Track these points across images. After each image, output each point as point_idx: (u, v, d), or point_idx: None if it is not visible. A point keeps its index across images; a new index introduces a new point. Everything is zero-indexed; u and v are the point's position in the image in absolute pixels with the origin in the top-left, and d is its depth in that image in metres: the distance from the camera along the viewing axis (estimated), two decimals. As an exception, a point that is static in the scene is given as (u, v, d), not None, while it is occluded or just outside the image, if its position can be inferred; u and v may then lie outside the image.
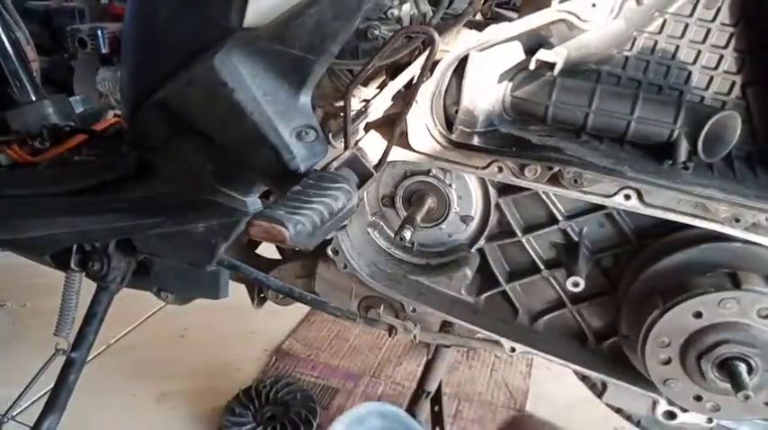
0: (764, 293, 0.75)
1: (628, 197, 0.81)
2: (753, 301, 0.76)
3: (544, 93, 0.84)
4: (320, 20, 0.72)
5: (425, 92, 0.86)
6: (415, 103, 0.85)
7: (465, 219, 1.06)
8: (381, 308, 1.05)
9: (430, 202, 1.04)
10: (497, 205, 1.01)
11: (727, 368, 0.78)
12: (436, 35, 0.75)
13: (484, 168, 0.86)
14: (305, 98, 0.73)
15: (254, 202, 0.82)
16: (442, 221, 1.05)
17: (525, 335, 1.02)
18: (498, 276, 1.04)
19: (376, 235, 1.09)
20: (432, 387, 1.25)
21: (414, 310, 1.04)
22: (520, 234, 1.00)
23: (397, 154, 0.90)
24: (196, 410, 1.47)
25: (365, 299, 1.08)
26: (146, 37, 0.83)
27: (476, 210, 1.04)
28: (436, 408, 1.25)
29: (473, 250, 1.06)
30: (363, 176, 0.79)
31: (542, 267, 1.01)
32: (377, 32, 0.98)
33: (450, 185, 1.01)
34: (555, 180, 0.83)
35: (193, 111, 0.77)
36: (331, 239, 1.03)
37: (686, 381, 0.84)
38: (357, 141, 0.92)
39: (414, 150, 0.89)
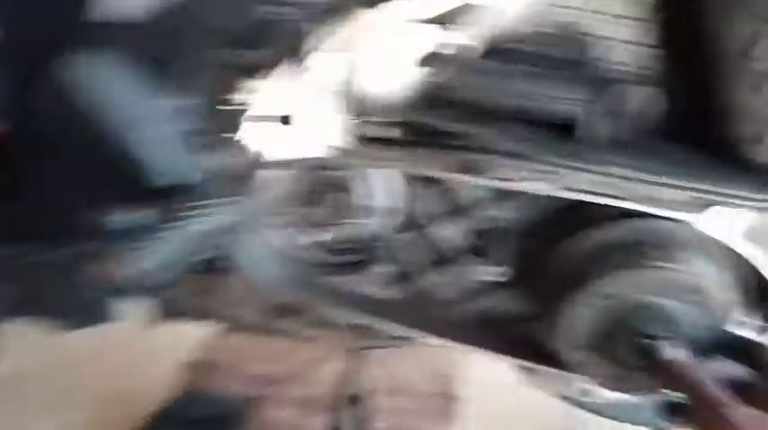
0: (667, 268, 0.75)
1: (547, 182, 0.78)
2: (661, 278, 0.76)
3: (456, 76, 0.79)
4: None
5: (329, 81, 0.79)
6: (316, 93, 0.78)
7: (379, 212, 1.00)
8: (293, 316, 0.98)
9: (340, 197, 0.98)
10: (412, 195, 0.96)
11: (642, 350, 0.77)
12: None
13: (395, 161, 0.80)
14: (180, 100, 0.64)
15: (120, 223, 0.72)
16: (353, 216, 0.99)
17: (445, 326, 0.98)
18: (415, 268, 1.00)
19: (283, 236, 1.01)
20: (352, 390, 1.20)
21: (328, 315, 0.98)
22: (433, 223, 0.96)
23: (299, 151, 0.82)
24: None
25: (275, 308, 1.00)
26: None
27: (390, 201, 0.99)
28: (359, 410, 1.20)
29: (389, 243, 1.01)
30: (252, 181, 0.71)
31: (461, 255, 0.97)
32: (274, 17, 0.89)
33: (362, 178, 0.95)
34: (469, 169, 0.78)
35: (46, 117, 0.65)
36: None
37: (605, 363, 0.83)
38: (248, 141, 0.83)
39: (318, 146, 0.81)
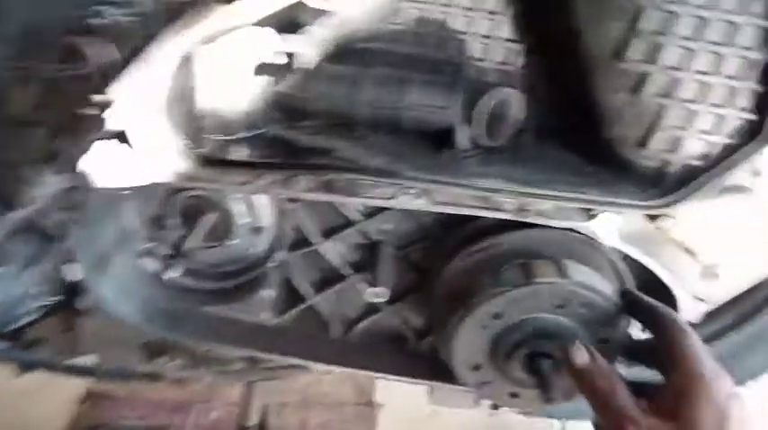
0: (557, 283, 0.69)
1: (415, 196, 0.70)
2: (546, 293, 0.70)
3: (306, 84, 0.70)
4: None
5: (159, 95, 0.67)
6: (152, 108, 0.66)
7: (257, 231, 0.90)
8: (168, 356, 0.88)
9: (211, 218, 0.88)
10: (288, 212, 0.87)
11: (531, 366, 0.72)
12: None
13: (246, 184, 0.70)
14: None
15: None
16: (231, 237, 0.89)
17: (339, 351, 0.91)
18: (302, 289, 0.91)
19: (151, 265, 0.90)
20: (251, 421, 1.12)
21: (208, 351, 0.88)
22: (317, 241, 0.87)
23: (133, 177, 0.71)
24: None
25: (147, 346, 0.90)
26: None
27: (266, 219, 0.89)
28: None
29: (272, 264, 0.92)
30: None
31: (348, 273, 0.89)
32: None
33: (233, 196, 0.85)
34: (330, 188, 0.70)
35: None
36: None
37: (500, 381, 0.77)
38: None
39: (158, 170, 0.71)
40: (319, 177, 0.68)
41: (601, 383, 0.62)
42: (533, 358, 0.73)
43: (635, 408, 0.59)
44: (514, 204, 0.67)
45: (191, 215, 0.87)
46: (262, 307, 0.91)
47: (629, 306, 0.70)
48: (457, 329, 0.73)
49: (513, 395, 0.80)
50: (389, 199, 0.69)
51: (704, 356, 0.59)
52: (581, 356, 0.64)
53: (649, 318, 0.66)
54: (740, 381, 0.97)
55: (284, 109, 0.71)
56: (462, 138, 0.69)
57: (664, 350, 0.62)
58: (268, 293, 0.90)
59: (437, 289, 0.80)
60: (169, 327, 0.86)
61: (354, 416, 1.33)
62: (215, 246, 0.88)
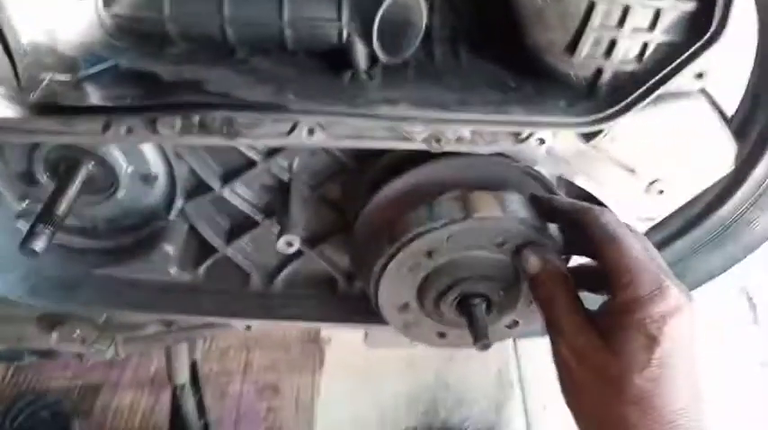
0: (496, 218, 0.60)
1: (311, 132, 0.59)
2: (485, 231, 0.61)
3: (154, 4, 0.55)
4: None
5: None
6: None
7: (146, 179, 0.78)
8: (65, 327, 0.78)
9: (87, 169, 0.74)
10: (179, 154, 0.74)
11: (464, 308, 0.65)
12: None
13: (101, 134, 0.58)
14: None
15: None
16: (116, 189, 0.77)
17: (262, 303, 0.83)
18: (211, 240, 0.81)
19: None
20: (181, 379, 1.05)
21: (107, 320, 0.79)
22: (218, 186, 0.76)
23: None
24: None
25: (41, 320, 0.79)
26: None
27: (156, 164, 0.77)
28: (197, 394, 1.06)
29: (174, 215, 0.80)
30: None
31: (260, 218, 0.79)
32: None
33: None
34: (205, 130, 0.58)
35: None
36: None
37: (427, 322, 0.71)
38: None
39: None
40: (188, 118, 0.56)
41: (545, 290, 0.55)
42: (466, 299, 0.66)
43: (574, 320, 0.52)
44: (426, 133, 0.57)
45: (61, 167, 0.74)
46: (167, 263, 0.81)
47: (550, 215, 0.61)
48: (384, 269, 0.65)
49: (441, 335, 0.74)
50: (278, 138, 0.58)
51: (642, 270, 0.50)
52: (533, 263, 0.57)
53: (575, 225, 0.56)
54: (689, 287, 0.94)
55: (135, 35, 0.57)
56: (359, 56, 0.57)
57: (603, 266, 0.53)
58: (171, 247, 0.80)
59: (359, 227, 0.71)
60: (59, 298, 0.76)
61: (301, 353, 1.28)
62: (98, 202, 0.77)
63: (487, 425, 1.42)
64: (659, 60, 0.53)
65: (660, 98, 0.56)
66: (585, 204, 0.57)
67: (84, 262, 0.81)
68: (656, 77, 0.53)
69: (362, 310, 0.83)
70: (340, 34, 0.56)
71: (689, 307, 0.49)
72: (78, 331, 0.76)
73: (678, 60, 0.53)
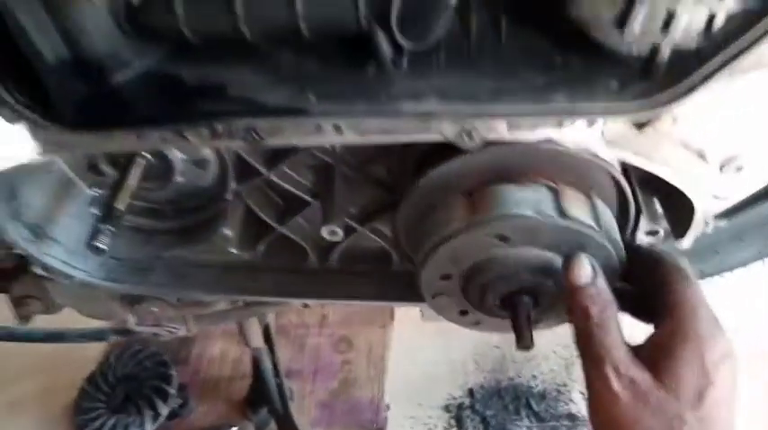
0: (588, 228, 0.57)
1: (337, 129, 0.56)
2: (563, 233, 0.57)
3: (163, 3, 0.54)
4: None
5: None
6: None
7: (200, 164, 0.80)
8: (142, 305, 0.85)
9: (144, 161, 0.77)
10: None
11: (510, 303, 0.62)
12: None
13: (136, 142, 0.59)
14: None
15: None
16: (173, 175, 0.79)
17: (317, 282, 0.84)
18: (268, 219, 0.83)
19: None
20: (256, 343, 1.10)
21: (179, 300, 0.84)
22: (265, 170, 0.76)
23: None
24: (46, 414, 1.32)
25: (123, 298, 0.86)
26: None
27: (207, 150, 0.78)
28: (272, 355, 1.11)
29: (230, 197, 0.82)
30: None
31: (310, 198, 0.79)
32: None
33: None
34: (231, 135, 0.57)
35: None
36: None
37: (458, 299, 0.68)
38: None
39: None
40: (214, 127, 0.55)
41: (594, 310, 0.52)
42: (515, 295, 0.63)
43: (621, 349, 0.51)
44: (456, 129, 0.52)
45: (121, 160, 0.77)
46: (227, 243, 0.84)
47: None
48: (453, 238, 0.61)
49: (463, 313, 0.71)
50: (305, 137, 0.56)
51: (703, 311, 0.50)
52: (583, 273, 0.54)
53: (645, 262, 0.57)
54: (722, 271, 0.84)
55: (157, 38, 0.56)
56: (382, 45, 0.52)
57: (659, 296, 0.53)
58: (229, 228, 0.83)
59: (404, 209, 0.69)
60: (134, 281, 0.82)
61: (373, 308, 1.31)
62: (158, 188, 0.80)
63: (556, 383, 1.41)
64: (730, 33, 0.44)
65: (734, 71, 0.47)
66: (670, 256, 0.56)
67: (154, 244, 0.86)
68: (726, 54, 0.45)
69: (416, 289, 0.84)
70: (357, 21, 0.51)
71: (735, 354, 0.49)
72: (155, 309, 0.83)
73: (755, 32, 0.43)
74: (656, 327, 0.53)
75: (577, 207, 0.58)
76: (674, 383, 0.47)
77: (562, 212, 0.56)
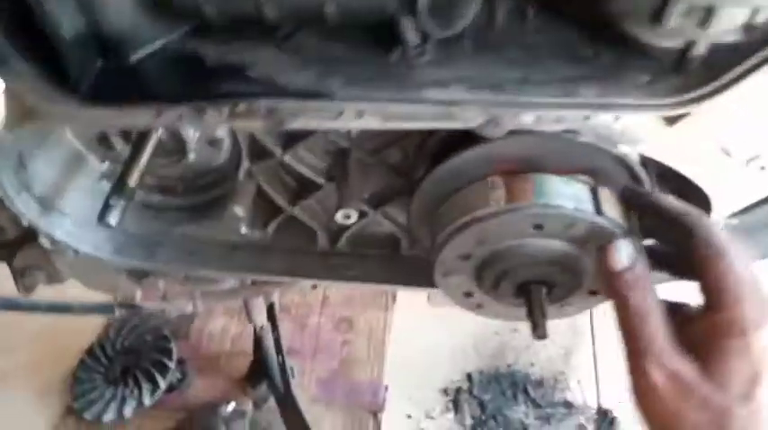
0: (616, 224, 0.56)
1: (359, 115, 0.55)
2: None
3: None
4: None
5: None
6: None
7: (213, 143, 0.79)
8: (149, 279, 0.84)
9: (156, 135, 0.76)
10: (240, 120, 0.74)
11: (526, 292, 0.62)
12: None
13: (154, 119, 0.57)
14: None
15: None
16: (186, 153, 0.78)
17: (326, 263, 0.84)
18: (279, 200, 0.82)
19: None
20: (260, 321, 1.11)
21: (188, 277, 0.84)
22: (279, 152, 0.75)
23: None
24: (39, 385, 1.31)
25: (131, 272, 0.86)
26: None
27: (222, 129, 0.77)
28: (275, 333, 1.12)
29: (242, 176, 0.82)
30: None
31: (322, 181, 0.78)
32: None
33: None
34: (250, 115, 0.56)
35: None
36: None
37: (467, 280, 0.67)
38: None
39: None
40: (234, 107, 0.54)
41: (632, 297, 0.50)
42: (530, 283, 0.63)
43: (664, 339, 0.47)
44: (482, 118, 0.51)
45: (133, 134, 0.76)
46: (238, 222, 0.83)
47: (642, 210, 0.56)
48: (480, 221, 0.60)
49: (468, 294, 0.71)
50: (326, 121, 0.55)
51: (752, 296, 0.45)
52: (619, 257, 0.51)
53: (672, 228, 0.51)
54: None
55: (178, 13, 0.55)
56: (407, 30, 0.51)
57: (705, 281, 0.48)
58: (240, 206, 0.82)
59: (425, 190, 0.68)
60: (142, 257, 0.82)
61: (375, 290, 1.31)
62: (170, 165, 0.79)
63: (554, 371, 1.42)
64: (770, 30, 0.44)
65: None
66: (690, 208, 0.50)
67: (163, 220, 0.85)
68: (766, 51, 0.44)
69: (424, 273, 0.83)
70: (384, 6, 0.50)
71: None
72: (161, 284, 0.82)
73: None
74: (704, 308, 0.48)
75: (612, 206, 0.57)
76: (721, 375, 0.45)
77: (599, 210, 0.56)
